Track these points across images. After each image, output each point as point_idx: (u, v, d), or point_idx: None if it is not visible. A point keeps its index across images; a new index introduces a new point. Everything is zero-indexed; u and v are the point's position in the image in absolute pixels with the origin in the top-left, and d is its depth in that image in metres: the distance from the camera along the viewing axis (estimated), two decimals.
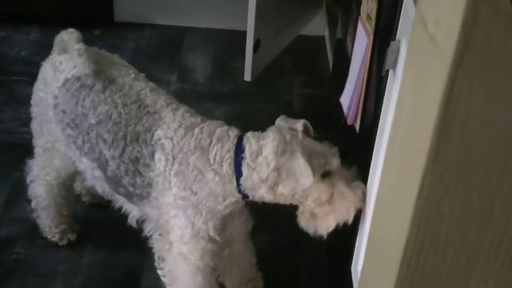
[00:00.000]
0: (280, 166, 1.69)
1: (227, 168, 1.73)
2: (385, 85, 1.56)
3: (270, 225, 2.43)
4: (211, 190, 1.75)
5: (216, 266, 1.96)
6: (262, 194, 1.75)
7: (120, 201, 1.96)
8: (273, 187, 1.73)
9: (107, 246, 2.34)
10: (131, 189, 1.83)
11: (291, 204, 1.78)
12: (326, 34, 3.58)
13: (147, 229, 1.94)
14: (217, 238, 1.83)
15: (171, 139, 1.76)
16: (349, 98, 1.94)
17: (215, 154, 1.73)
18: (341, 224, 1.73)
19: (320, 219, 1.73)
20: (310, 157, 1.67)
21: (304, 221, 1.77)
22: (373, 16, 1.75)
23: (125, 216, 1.98)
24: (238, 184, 1.74)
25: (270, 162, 1.69)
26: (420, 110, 0.86)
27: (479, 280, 0.89)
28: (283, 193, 1.73)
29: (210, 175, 1.74)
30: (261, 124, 2.99)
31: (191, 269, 1.86)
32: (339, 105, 2.04)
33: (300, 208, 1.77)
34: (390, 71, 1.52)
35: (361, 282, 1.29)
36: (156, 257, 1.93)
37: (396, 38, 1.48)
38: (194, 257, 1.84)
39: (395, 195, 0.98)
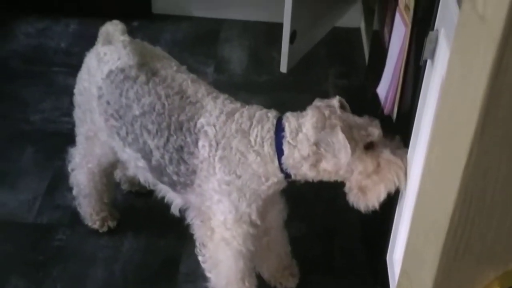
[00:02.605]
0: (319, 140, 1.69)
1: (268, 148, 1.75)
2: (423, 75, 1.57)
3: (305, 213, 2.46)
4: (254, 172, 1.77)
5: (254, 255, 1.98)
6: (305, 171, 1.75)
7: (163, 190, 1.99)
8: (315, 164, 1.73)
9: (147, 233, 2.38)
10: (175, 177, 1.86)
11: (336, 181, 1.77)
12: (362, 25, 3.58)
13: (190, 217, 1.96)
14: (258, 222, 1.85)
15: (214, 125, 1.78)
16: (386, 88, 1.96)
17: (256, 136, 1.75)
18: (392, 192, 1.69)
19: (369, 191, 1.71)
20: (351, 131, 1.67)
21: (353, 197, 1.74)
22: (411, 7, 1.76)
23: (163, 204, 2.01)
24: (280, 163, 1.75)
25: (310, 137, 1.70)
26: (469, 82, 0.89)
27: None
28: (326, 169, 1.73)
29: (252, 156, 1.75)
30: None
31: (233, 254, 1.88)
32: (375, 96, 2.05)
33: (347, 185, 1.75)
34: (428, 61, 1.53)
35: (407, 251, 1.31)
36: (197, 244, 1.95)
37: (435, 28, 1.49)
38: (236, 242, 1.85)
39: (443, 165, 1.01)
